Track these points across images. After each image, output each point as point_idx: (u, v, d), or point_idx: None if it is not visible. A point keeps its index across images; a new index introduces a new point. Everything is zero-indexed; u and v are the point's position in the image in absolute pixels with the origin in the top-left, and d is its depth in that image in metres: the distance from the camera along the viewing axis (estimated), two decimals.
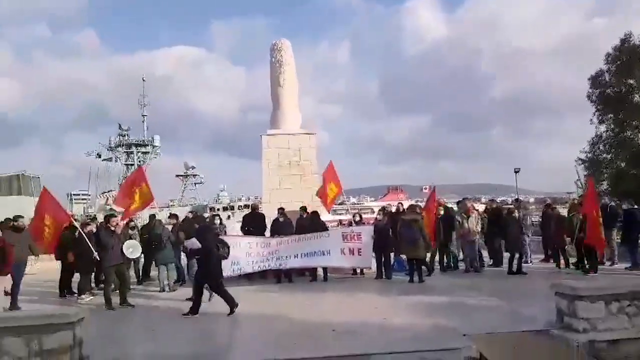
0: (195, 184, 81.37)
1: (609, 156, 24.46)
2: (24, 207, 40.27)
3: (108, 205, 59.64)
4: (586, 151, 25.03)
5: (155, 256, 10.78)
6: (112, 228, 9.10)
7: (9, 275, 8.72)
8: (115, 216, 9.87)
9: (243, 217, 13.28)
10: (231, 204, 68.94)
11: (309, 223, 11.68)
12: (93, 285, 10.74)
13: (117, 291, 9.18)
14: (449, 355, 5.44)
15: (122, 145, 73.31)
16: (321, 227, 11.71)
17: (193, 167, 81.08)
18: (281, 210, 12.09)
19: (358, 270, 11.92)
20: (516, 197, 23.82)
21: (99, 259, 9.11)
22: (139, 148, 74.42)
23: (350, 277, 11.79)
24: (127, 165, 73.98)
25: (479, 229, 12.07)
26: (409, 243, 10.64)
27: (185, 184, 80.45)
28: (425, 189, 69.28)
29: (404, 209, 12.29)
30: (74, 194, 76.37)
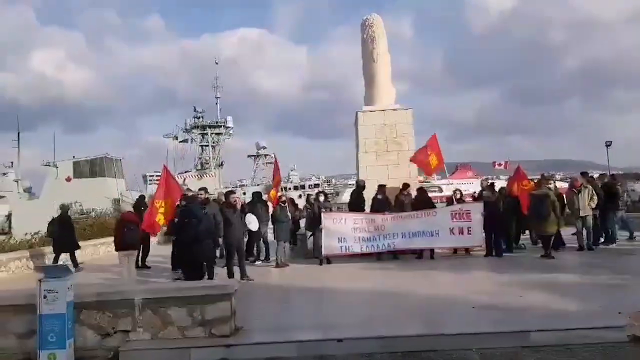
0: (266, 163, 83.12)
1: None
2: (107, 187, 43.11)
3: (185, 185, 62.55)
4: None
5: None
6: (233, 204, 9.42)
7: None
8: (234, 192, 10.20)
9: (351, 194, 13.37)
10: (301, 183, 70.15)
11: (415, 200, 11.53)
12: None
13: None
14: (613, 334, 5.18)
15: (197, 127, 75.80)
16: (429, 204, 11.52)
17: (264, 147, 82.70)
18: (381, 187, 11.99)
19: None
20: (609, 173, 22.15)
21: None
22: (213, 129, 76.70)
23: (456, 255, 11.57)
24: (201, 146, 76.68)
25: (593, 205, 11.37)
26: (540, 218, 10.31)
27: (257, 164, 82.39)
28: (500, 164, 66.25)
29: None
30: (148, 175, 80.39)
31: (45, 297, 5.17)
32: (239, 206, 9.64)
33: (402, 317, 6.43)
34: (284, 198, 12.36)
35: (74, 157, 44.69)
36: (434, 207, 11.79)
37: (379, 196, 11.80)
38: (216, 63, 79.00)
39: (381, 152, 13.73)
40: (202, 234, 8.35)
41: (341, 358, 5.16)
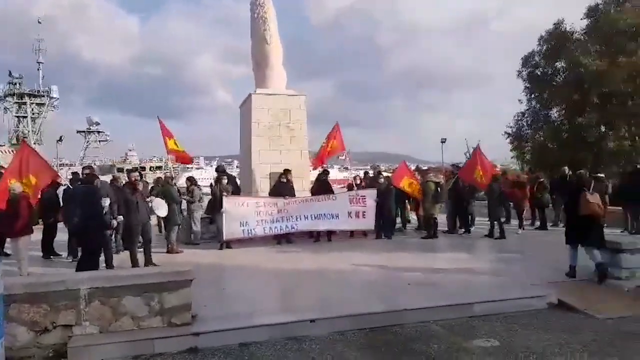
0: (99, 141, 75.55)
1: (530, 131, 27.04)
2: None
3: None
4: (510, 126, 27.40)
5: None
6: (135, 185, 8.52)
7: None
8: (135, 171, 9.22)
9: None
10: (142, 164, 65.25)
11: (316, 185, 11.82)
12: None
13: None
14: (536, 302, 6.11)
15: (13, 95, 65.50)
16: (328, 189, 11.91)
17: (97, 123, 75.02)
18: (286, 171, 11.95)
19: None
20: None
21: (121, 217, 8.48)
22: (34, 99, 67.03)
23: (350, 238, 12.13)
24: (18, 117, 66.57)
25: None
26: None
27: (88, 141, 74.38)
28: (343, 157, 70.50)
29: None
30: None
31: None
32: (140, 187, 8.73)
33: (350, 295, 6.62)
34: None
35: None
36: (333, 192, 12.20)
37: (284, 180, 11.74)
38: (39, 22, 68.87)
39: (274, 136, 13.66)
40: (90, 218, 7.23)
41: (315, 338, 5.14)
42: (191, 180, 11.99)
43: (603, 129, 23.08)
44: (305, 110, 14.04)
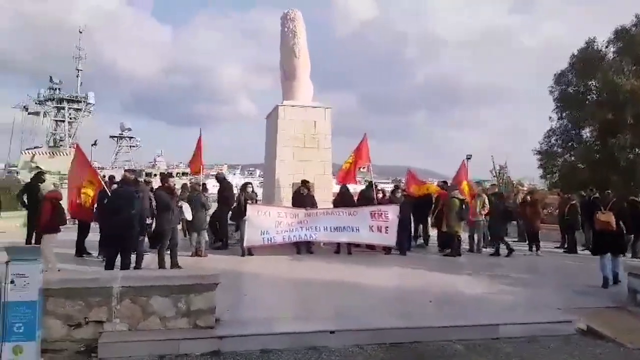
0: (130, 146, 77.46)
1: (560, 150, 26.58)
2: None
3: (34, 162, 55.44)
4: (540, 142, 27.00)
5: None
6: (172, 190, 8.83)
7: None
8: (172, 176, 9.56)
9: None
10: (169, 170, 66.60)
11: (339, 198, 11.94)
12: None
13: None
14: (564, 327, 5.99)
15: (53, 100, 67.79)
16: (351, 202, 12.02)
17: (129, 129, 77.06)
18: (304, 182, 12.13)
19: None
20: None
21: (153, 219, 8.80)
22: (71, 104, 69.21)
23: (370, 253, 12.16)
24: (56, 121, 68.77)
25: (484, 212, 12.74)
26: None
27: (120, 146, 76.38)
28: (363, 168, 70.54)
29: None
30: None
31: (12, 281, 4.39)
32: (177, 192, 9.05)
33: (370, 308, 6.66)
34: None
35: None
36: (355, 205, 12.31)
37: (303, 192, 11.91)
38: (80, 32, 71.18)
39: (299, 147, 13.89)
40: (135, 219, 7.70)
41: (334, 349, 5.23)
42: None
43: (637, 150, 22.58)
44: (330, 121, 14.24)
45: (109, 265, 7.50)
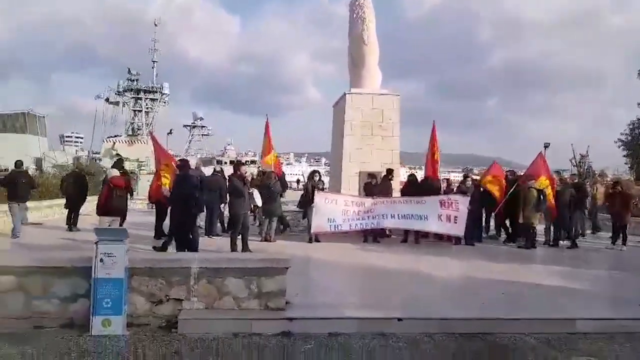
0: (202, 135, 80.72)
1: None
2: (28, 145, 39.69)
3: (114, 150, 59.16)
4: (626, 133, 25.23)
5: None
6: (245, 178, 9.18)
7: None
8: (244, 164, 9.98)
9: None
10: (238, 158, 68.82)
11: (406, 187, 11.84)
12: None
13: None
14: None
15: (131, 90, 71.78)
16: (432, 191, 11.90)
17: (201, 119, 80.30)
18: (374, 173, 12.14)
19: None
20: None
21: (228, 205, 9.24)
22: (148, 94, 72.99)
23: (437, 242, 12.00)
24: (134, 111, 72.82)
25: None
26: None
27: (192, 135, 79.81)
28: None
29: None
30: (66, 136, 74.64)
31: (102, 260, 4.77)
32: (249, 180, 9.42)
33: (438, 298, 6.62)
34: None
35: None
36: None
37: (373, 182, 11.91)
38: (155, 25, 74.59)
39: (366, 136, 13.85)
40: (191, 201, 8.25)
41: (402, 336, 5.22)
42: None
43: None
44: (398, 110, 14.07)
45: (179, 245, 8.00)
